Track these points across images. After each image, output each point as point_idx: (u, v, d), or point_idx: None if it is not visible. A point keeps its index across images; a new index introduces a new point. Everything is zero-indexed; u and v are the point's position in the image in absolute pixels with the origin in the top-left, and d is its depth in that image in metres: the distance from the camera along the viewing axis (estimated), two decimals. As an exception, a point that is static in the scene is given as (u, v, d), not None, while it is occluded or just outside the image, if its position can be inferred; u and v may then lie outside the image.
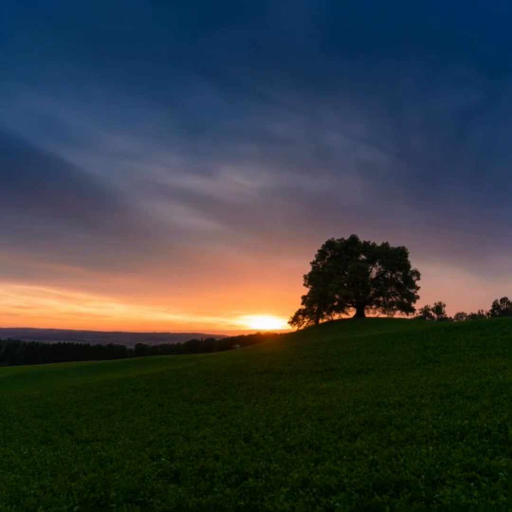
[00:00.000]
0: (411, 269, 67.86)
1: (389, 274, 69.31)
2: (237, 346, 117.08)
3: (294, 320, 71.58)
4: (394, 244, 69.43)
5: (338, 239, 70.27)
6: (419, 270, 68.31)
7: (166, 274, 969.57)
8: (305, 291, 71.08)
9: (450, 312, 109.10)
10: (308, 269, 71.51)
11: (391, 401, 8.61)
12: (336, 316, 70.82)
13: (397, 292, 69.15)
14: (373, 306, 70.31)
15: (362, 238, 70.26)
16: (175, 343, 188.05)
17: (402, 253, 67.51)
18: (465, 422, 6.48)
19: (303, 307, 70.97)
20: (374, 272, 69.62)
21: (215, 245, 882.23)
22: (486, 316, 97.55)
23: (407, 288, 68.43)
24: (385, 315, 68.41)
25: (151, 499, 5.19)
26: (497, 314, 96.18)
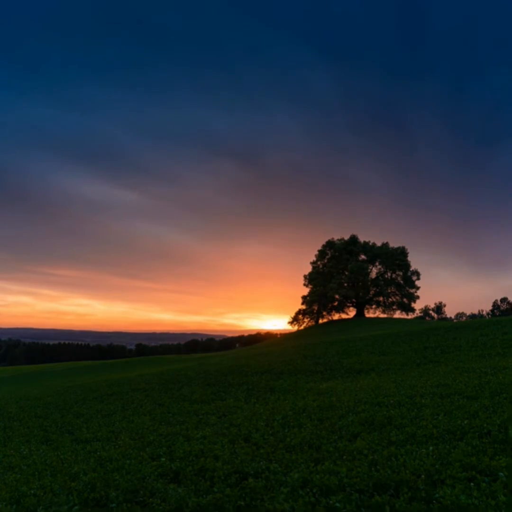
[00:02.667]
0: (411, 269, 67.92)
1: (389, 274, 69.36)
2: (238, 345, 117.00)
3: (294, 320, 71.65)
4: (394, 243, 69.57)
5: (338, 239, 70.33)
6: (419, 269, 68.49)
7: (116, 263, 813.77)
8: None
9: (450, 312, 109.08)
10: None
11: (391, 401, 8.60)
12: (336, 316, 70.94)
13: (397, 292, 69.21)
14: (373, 306, 70.40)
15: (362, 239, 70.39)
16: (175, 343, 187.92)
17: (402, 253, 67.54)
18: (465, 422, 6.48)
19: (303, 307, 71.05)
20: (374, 272, 69.72)
21: (153, 227, 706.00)
22: (486, 316, 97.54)
23: (407, 288, 68.49)
24: (385, 315, 68.50)
25: (151, 499, 5.18)
26: (497, 314, 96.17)
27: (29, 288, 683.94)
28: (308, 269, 72.04)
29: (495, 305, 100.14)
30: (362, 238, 70.24)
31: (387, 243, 69.54)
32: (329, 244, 70.39)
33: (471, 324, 25.42)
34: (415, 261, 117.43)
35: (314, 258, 71.38)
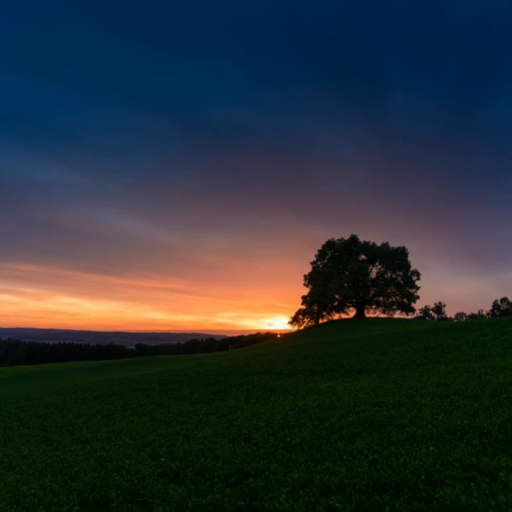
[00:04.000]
0: (411, 269, 67.92)
1: (389, 274, 69.33)
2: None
3: (294, 320, 71.60)
4: (393, 243, 69.56)
5: (338, 239, 70.34)
6: (419, 269, 68.49)
7: (81, 256, 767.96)
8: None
9: (450, 312, 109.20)
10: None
11: (391, 401, 8.60)
12: (336, 316, 70.92)
13: (397, 292, 69.18)
14: (373, 306, 70.37)
15: (362, 238, 70.39)
16: (175, 343, 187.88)
17: (402, 253, 67.54)
18: (465, 422, 6.48)
19: (303, 307, 71.01)
20: (374, 272, 69.68)
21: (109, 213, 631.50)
22: (486, 316, 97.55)
23: (407, 288, 68.48)
24: (385, 315, 68.49)
25: (151, 499, 5.18)
26: (497, 314, 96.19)
27: (12, 286, 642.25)
28: (308, 269, 72.15)
29: (495, 305, 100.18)
30: (362, 238, 70.35)
31: (387, 243, 69.59)
32: (329, 244, 70.39)
33: (471, 324, 25.43)
34: (415, 261, 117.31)
35: (314, 258, 71.45)
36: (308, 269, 72.29)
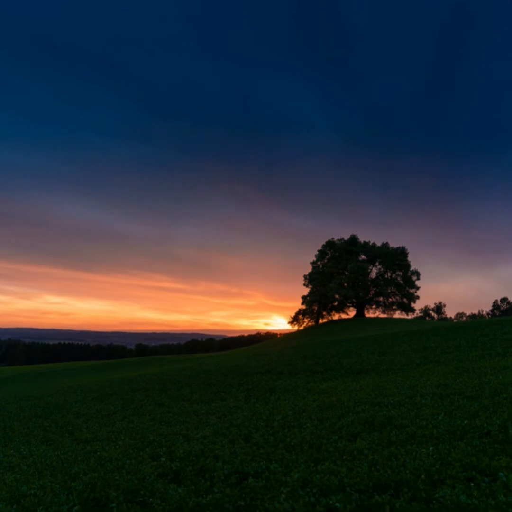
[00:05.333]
0: (411, 269, 67.94)
1: (389, 274, 69.36)
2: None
3: (294, 320, 71.63)
4: (394, 244, 69.59)
5: (338, 239, 70.35)
6: (419, 269, 68.51)
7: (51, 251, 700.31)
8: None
9: (450, 312, 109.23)
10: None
11: (391, 401, 8.60)
12: (336, 316, 70.94)
13: (397, 292, 69.20)
14: (373, 306, 70.39)
15: (362, 238, 70.40)
16: (175, 343, 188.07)
17: (402, 253, 67.56)
18: (465, 422, 6.48)
19: (303, 307, 71.04)
20: (374, 272, 69.70)
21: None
22: (486, 316, 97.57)
23: (407, 288, 68.49)
24: (385, 315, 68.52)
25: (151, 499, 5.18)
26: (497, 314, 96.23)
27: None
28: (308, 268, 72.15)
29: (495, 305, 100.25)
30: (361, 238, 70.35)
31: (387, 243, 69.60)
32: (329, 244, 70.40)
33: (471, 324, 25.44)
34: (415, 261, 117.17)
35: (314, 258, 71.47)
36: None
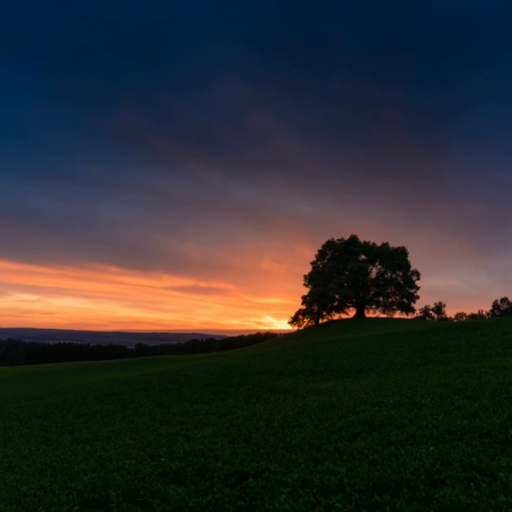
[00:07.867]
0: (411, 269, 67.90)
1: (389, 274, 69.30)
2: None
3: (294, 320, 71.57)
4: (394, 244, 69.57)
5: (338, 239, 70.32)
6: (419, 270, 68.46)
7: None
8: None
9: (450, 312, 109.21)
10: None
11: (391, 401, 8.60)
12: (336, 316, 70.88)
13: (397, 292, 69.14)
14: (373, 306, 70.31)
15: (362, 238, 70.39)
16: (175, 343, 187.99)
17: (402, 253, 67.51)
18: (465, 422, 6.48)
19: (303, 307, 70.99)
20: (374, 272, 69.67)
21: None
22: (486, 316, 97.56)
23: (407, 288, 68.43)
24: (385, 315, 68.43)
25: (151, 499, 5.18)
26: (497, 314, 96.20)
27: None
28: (308, 268, 72.12)
29: (495, 305, 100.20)
30: (361, 238, 70.34)
31: (387, 243, 69.55)
32: (329, 244, 70.37)
33: (471, 324, 25.44)
34: (415, 261, 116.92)
35: (314, 258, 71.45)
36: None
